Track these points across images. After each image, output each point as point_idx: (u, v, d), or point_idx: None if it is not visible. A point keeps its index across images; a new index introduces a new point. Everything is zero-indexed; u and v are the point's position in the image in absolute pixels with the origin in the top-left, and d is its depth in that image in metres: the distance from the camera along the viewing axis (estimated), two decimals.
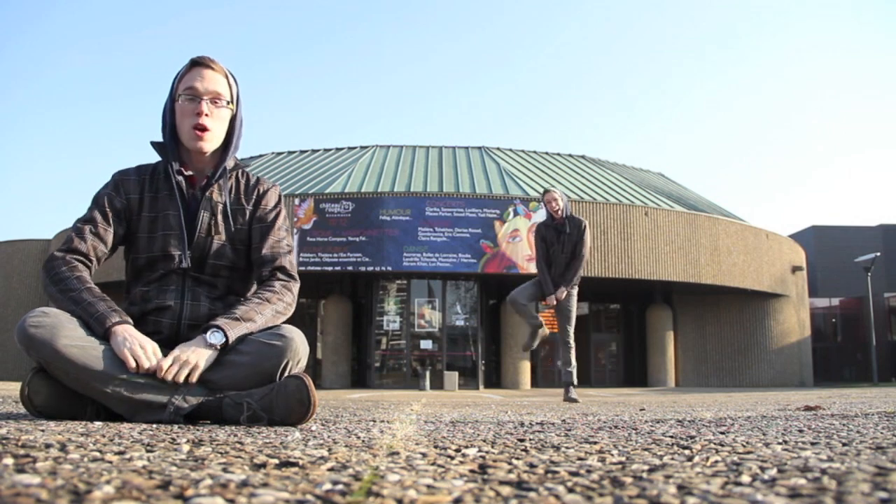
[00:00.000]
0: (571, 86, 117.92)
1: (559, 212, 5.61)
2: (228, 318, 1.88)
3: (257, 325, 1.91)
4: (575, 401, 5.21)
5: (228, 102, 2.06)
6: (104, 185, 2.08)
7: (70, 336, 1.74)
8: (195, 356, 1.80)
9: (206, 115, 2.00)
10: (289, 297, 2.04)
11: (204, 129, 2.00)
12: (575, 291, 5.62)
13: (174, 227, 2.03)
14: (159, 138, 2.09)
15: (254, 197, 2.14)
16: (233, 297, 2.08)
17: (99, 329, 1.79)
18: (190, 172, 2.07)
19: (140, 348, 1.77)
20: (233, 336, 1.85)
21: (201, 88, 2.01)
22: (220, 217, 2.07)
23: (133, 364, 1.74)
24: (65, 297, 1.85)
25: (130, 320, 1.86)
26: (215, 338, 1.83)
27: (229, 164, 2.11)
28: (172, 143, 2.06)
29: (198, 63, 2.04)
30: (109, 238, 2.01)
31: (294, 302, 2.06)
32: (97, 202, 2.03)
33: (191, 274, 2.03)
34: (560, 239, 5.60)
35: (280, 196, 2.21)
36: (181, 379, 1.77)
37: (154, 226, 2.04)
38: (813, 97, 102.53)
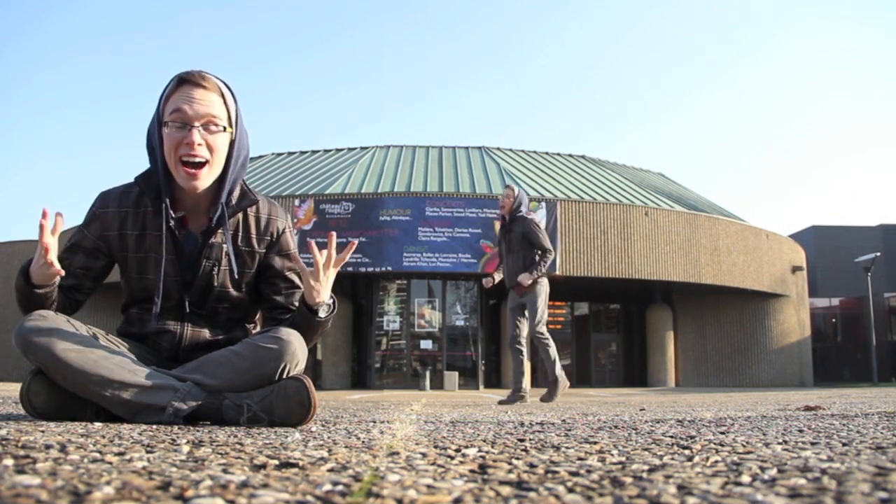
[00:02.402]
0: (571, 86, 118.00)
1: (504, 208, 5.51)
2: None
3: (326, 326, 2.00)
4: (549, 400, 5.18)
5: (226, 127, 1.82)
6: (84, 218, 1.96)
7: (68, 340, 1.73)
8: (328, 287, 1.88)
9: (199, 144, 1.76)
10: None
11: (196, 165, 1.78)
12: (539, 288, 5.35)
13: (169, 273, 1.88)
14: (145, 164, 1.91)
15: (267, 239, 1.97)
16: (231, 323, 2.04)
17: (22, 279, 1.79)
18: (182, 213, 1.89)
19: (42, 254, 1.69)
20: (333, 308, 1.98)
21: (191, 113, 1.76)
22: (223, 264, 1.92)
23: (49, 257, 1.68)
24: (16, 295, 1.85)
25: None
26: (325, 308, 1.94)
27: (234, 195, 1.91)
28: (164, 173, 1.83)
29: (186, 81, 1.78)
30: (79, 275, 1.93)
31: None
32: (70, 242, 1.95)
33: (190, 310, 1.96)
34: (507, 238, 5.50)
35: (293, 232, 2.06)
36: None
37: (144, 267, 1.90)
38: (813, 97, 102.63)
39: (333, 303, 1.99)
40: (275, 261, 2.00)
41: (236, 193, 1.92)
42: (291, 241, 2.04)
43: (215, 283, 1.93)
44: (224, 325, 2.02)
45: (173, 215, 1.87)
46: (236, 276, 1.94)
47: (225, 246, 1.91)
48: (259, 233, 1.97)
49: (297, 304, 2.00)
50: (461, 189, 20.17)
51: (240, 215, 1.94)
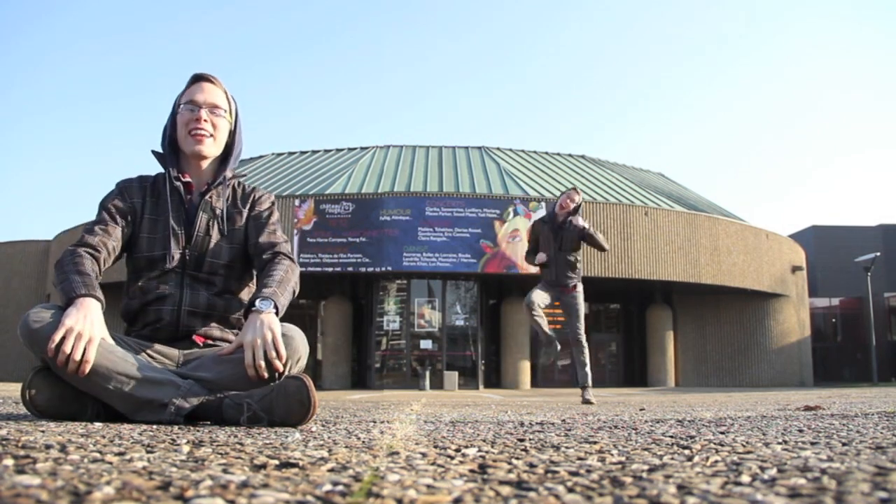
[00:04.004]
0: (571, 86, 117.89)
1: (563, 209, 5.57)
2: (268, 287, 1.93)
3: (289, 295, 1.99)
4: (590, 402, 4.92)
5: (227, 112, 2.16)
6: (109, 193, 2.15)
7: None
8: (264, 330, 1.80)
9: (205, 120, 2.10)
10: (297, 275, 2.09)
11: (202, 132, 2.10)
12: (581, 290, 5.57)
13: (173, 226, 2.09)
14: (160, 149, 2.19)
15: (249, 202, 2.23)
16: (229, 294, 2.13)
17: (64, 299, 1.80)
18: (188, 179, 2.15)
19: (72, 330, 1.70)
20: (281, 302, 1.91)
21: (201, 99, 2.11)
22: (217, 219, 2.14)
23: (53, 344, 1.68)
24: (56, 276, 1.89)
25: (101, 298, 1.83)
26: (265, 304, 1.87)
27: (227, 174, 2.20)
28: (171, 153, 2.15)
29: (199, 77, 2.16)
30: (118, 234, 2.06)
31: (299, 281, 2.10)
32: (104, 206, 2.10)
33: (189, 272, 2.08)
34: (558, 237, 5.54)
35: (273, 201, 2.29)
36: (279, 367, 1.79)
37: (155, 227, 2.11)
38: (812, 97, 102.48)
39: (276, 307, 1.92)
40: (252, 212, 2.20)
41: (228, 173, 2.23)
42: (268, 201, 2.25)
43: (211, 233, 2.12)
44: (221, 293, 2.11)
45: (182, 178, 2.13)
46: (227, 230, 2.12)
47: (218, 207, 2.15)
48: (243, 197, 2.23)
49: (277, 241, 2.13)
50: (461, 189, 20.16)
51: (230, 188, 2.22)
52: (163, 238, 2.08)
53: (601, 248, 5.63)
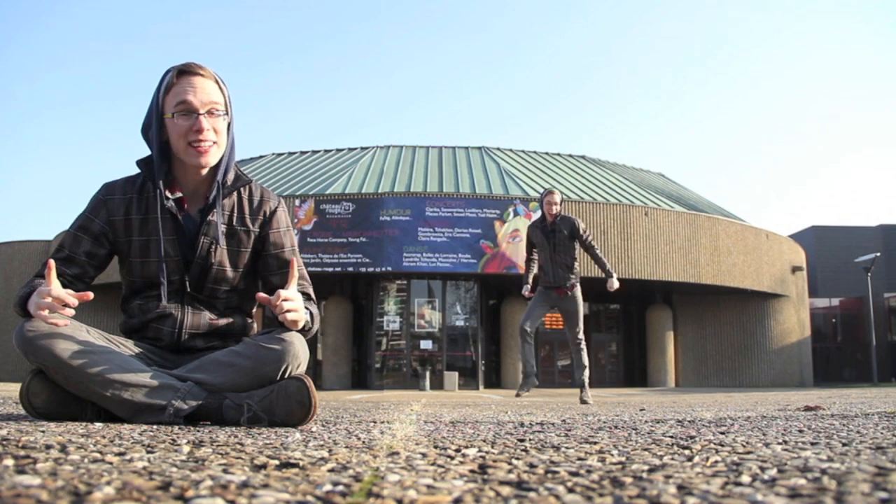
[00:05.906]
0: (571, 86, 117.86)
1: (554, 212, 5.64)
2: (310, 305, 1.95)
3: (314, 328, 1.99)
4: (587, 402, 5.05)
5: (224, 108, 1.93)
6: (87, 205, 1.99)
7: (68, 341, 1.73)
8: (299, 310, 1.83)
9: (207, 129, 1.86)
10: (318, 322, 2.06)
11: (206, 144, 1.87)
12: (579, 292, 5.58)
13: (170, 253, 1.95)
14: (147, 152, 1.97)
15: (260, 218, 2.04)
16: (230, 311, 2.07)
17: (20, 311, 1.80)
18: (179, 194, 1.96)
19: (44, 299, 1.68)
20: (313, 324, 1.95)
21: (196, 102, 1.85)
22: (221, 242, 1.97)
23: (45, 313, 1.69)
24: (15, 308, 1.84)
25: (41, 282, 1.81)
26: (309, 315, 1.91)
27: (229, 177, 1.99)
28: (162, 160, 1.91)
29: (185, 71, 1.88)
30: (84, 263, 1.95)
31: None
32: (74, 228, 1.97)
33: (190, 293, 2.01)
34: (551, 240, 5.59)
35: (286, 213, 2.12)
36: (290, 316, 1.79)
37: (147, 250, 1.95)
38: (813, 97, 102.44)
39: (311, 316, 1.96)
40: (268, 239, 2.05)
41: (231, 176, 2.00)
42: (284, 219, 2.10)
43: (213, 261, 1.97)
44: (223, 312, 2.05)
45: (169, 195, 1.93)
46: (234, 253, 1.99)
47: (222, 225, 1.97)
48: (252, 212, 2.04)
49: (305, 287, 2.04)
50: (461, 189, 20.17)
51: (234, 197, 2.02)
52: (158, 264, 1.94)
53: (591, 246, 5.75)
